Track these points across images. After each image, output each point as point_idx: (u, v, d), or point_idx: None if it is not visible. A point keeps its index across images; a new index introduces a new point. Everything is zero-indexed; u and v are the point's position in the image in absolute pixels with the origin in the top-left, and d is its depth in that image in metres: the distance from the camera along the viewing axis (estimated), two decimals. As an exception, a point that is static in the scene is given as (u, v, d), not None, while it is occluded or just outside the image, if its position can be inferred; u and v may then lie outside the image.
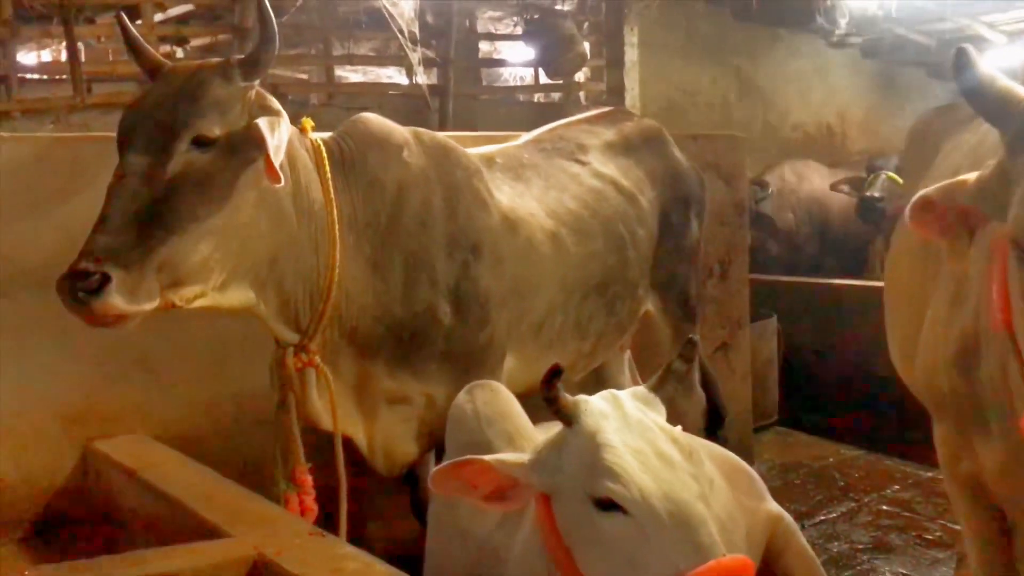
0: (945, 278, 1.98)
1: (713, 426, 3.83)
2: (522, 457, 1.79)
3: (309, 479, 2.41)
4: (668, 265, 3.43)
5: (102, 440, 2.74)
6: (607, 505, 1.62)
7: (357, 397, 2.56)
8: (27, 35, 4.92)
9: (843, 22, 7.14)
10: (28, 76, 5.05)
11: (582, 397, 1.80)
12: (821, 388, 5.52)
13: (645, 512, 1.59)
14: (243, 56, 2.23)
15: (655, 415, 1.79)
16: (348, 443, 2.58)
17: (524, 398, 2.33)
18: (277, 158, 2.11)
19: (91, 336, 2.73)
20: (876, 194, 6.64)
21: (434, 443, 2.66)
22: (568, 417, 1.74)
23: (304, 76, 6.86)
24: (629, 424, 1.72)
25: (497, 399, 2.27)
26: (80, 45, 4.88)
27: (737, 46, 7.97)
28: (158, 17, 5.23)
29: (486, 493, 1.78)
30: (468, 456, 1.78)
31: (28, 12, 4.52)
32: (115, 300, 1.95)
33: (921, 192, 1.54)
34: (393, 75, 6.94)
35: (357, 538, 2.43)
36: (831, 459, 4.95)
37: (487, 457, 1.78)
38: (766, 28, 8.08)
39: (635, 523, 1.60)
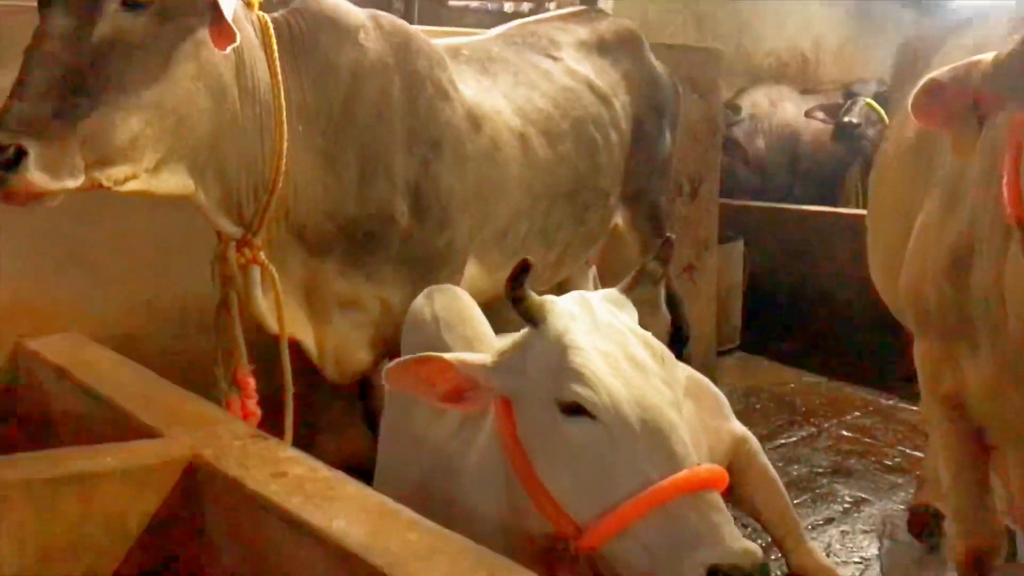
0: (939, 182, 1.88)
1: (677, 347, 3.77)
2: (483, 358, 1.69)
3: (252, 381, 2.28)
4: (639, 176, 3.30)
5: (33, 338, 2.57)
6: (573, 410, 1.53)
7: (306, 299, 2.42)
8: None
9: (823, -56, 6.91)
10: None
11: (549, 297, 1.70)
12: (785, 315, 5.49)
13: (614, 418, 1.50)
14: None
15: (627, 318, 1.69)
16: (298, 350, 2.45)
17: (486, 309, 2.20)
18: (229, 13, 1.92)
19: (20, 227, 2.59)
20: (854, 120, 6.52)
21: (389, 351, 2.53)
22: (534, 317, 1.64)
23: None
24: (599, 326, 1.63)
25: (457, 303, 2.16)
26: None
27: (715, -35, 7.74)
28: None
29: (443, 393, 1.68)
30: (427, 353, 1.66)
31: None
32: (33, 176, 1.77)
33: (929, 75, 1.40)
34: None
35: (306, 449, 2.33)
36: (792, 385, 4.93)
37: (447, 355, 1.67)
38: (745, -53, 7.84)
39: (603, 430, 1.51)
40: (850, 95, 6.76)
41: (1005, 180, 1.40)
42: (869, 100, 6.58)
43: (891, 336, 3.09)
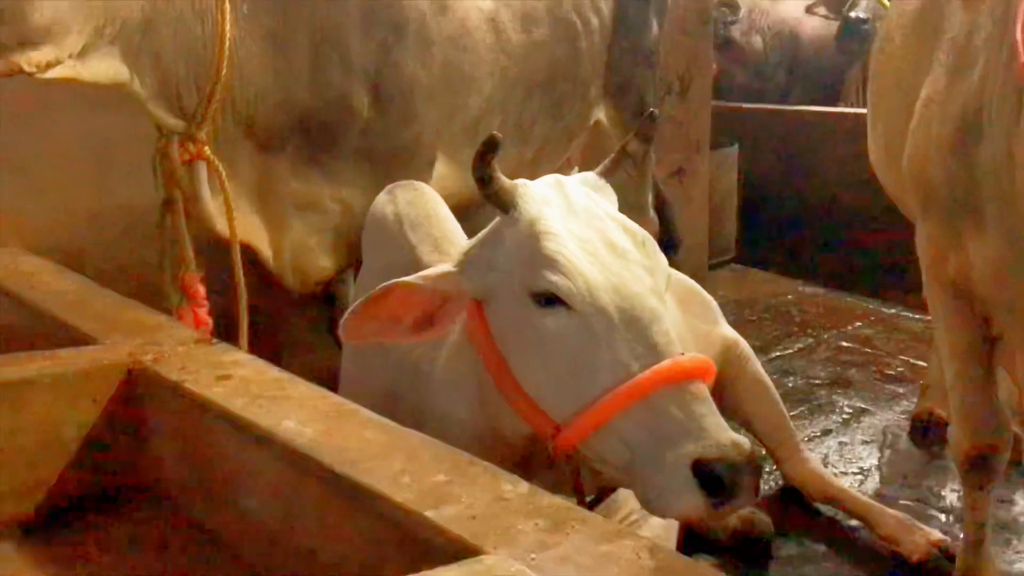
0: (945, 50, 1.81)
1: (666, 254, 3.73)
2: (446, 266, 1.62)
3: (201, 289, 2.22)
4: (624, 68, 3.22)
5: (-35, 252, 2.49)
6: (547, 300, 1.48)
7: (259, 201, 2.36)
8: None
9: None
10: None
11: (521, 181, 1.63)
12: (782, 223, 5.45)
13: (591, 306, 1.45)
14: None
15: (606, 202, 1.64)
16: (256, 259, 2.39)
17: (457, 212, 2.14)
18: None
19: (-54, 132, 2.48)
20: (861, 15, 6.35)
21: (353, 258, 2.47)
22: (504, 202, 1.57)
23: None
24: (575, 211, 1.57)
25: (422, 200, 2.11)
26: None
27: None
28: None
29: (412, 322, 1.60)
30: (385, 284, 1.57)
31: None
32: None
33: None
34: None
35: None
36: (789, 296, 4.93)
37: (408, 278, 1.58)
38: None
39: (579, 320, 1.46)
40: None
41: (1020, 39, 1.32)
42: None
43: (893, 244, 3.05)
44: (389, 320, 1.57)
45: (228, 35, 2.11)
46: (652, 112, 1.74)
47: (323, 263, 2.49)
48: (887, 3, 6.33)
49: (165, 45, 2.06)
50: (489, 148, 1.53)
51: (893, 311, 4.56)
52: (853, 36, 6.46)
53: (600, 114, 3.23)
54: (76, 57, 1.91)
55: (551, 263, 1.48)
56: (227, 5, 2.10)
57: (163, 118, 2.14)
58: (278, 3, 2.22)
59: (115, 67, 2.00)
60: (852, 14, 6.36)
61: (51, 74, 1.90)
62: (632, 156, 1.73)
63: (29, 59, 1.83)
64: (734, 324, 3.30)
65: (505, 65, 2.67)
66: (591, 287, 1.46)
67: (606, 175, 1.71)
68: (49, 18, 1.81)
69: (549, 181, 1.64)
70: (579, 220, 1.55)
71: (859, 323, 4.45)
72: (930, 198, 1.83)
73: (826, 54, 6.94)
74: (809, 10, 6.80)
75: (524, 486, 1.12)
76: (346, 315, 1.57)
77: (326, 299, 2.68)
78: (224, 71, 2.11)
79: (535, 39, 2.74)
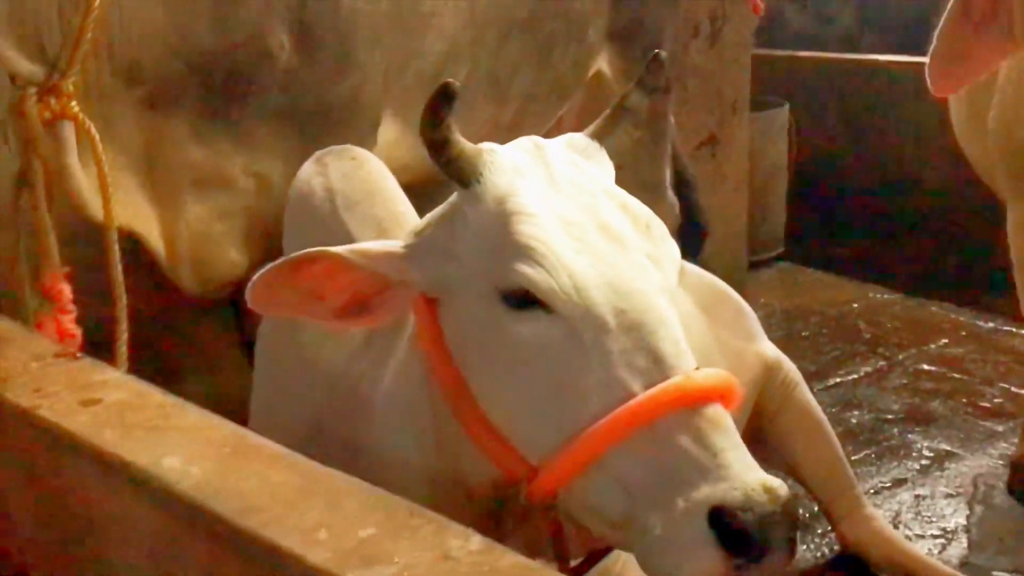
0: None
1: (688, 249, 3.78)
2: (392, 244, 1.65)
3: (66, 289, 2.24)
4: (631, 4, 3.29)
5: None
6: (521, 300, 1.50)
7: (147, 174, 2.40)
8: None
9: None
10: None
11: (488, 145, 1.67)
12: (846, 210, 5.52)
13: (578, 307, 1.47)
14: None
15: (599, 173, 1.67)
16: (144, 251, 2.43)
17: (409, 190, 2.18)
18: None
19: None
20: None
21: (272, 249, 2.50)
22: (464, 173, 1.60)
23: None
24: (558, 184, 1.60)
25: (361, 172, 2.15)
26: None
27: None
28: None
29: (339, 306, 1.63)
30: (307, 251, 1.60)
31: None
32: None
33: None
34: None
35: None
36: (855, 304, 4.99)
37: (337, 249, 1.61)
38: None
39: (563, 325, 1.48)
40: None
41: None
42: None
43: (993, 237, 3.09)
44: (310, 295, 1.61)
45: (104, -46, 2.15)
46: (659, 53, 1.76)
47: (232, 256, 2.53)
48: None
49: (19, -36, 2.10)
50: (443, 100, 1.56)
51: (991, 325, 4.63)
52: None
53: (602, 63, 3.31)
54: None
55: (526, 252, 1.50)
56: (101, -87, 2.14)
57: (17, 64, 2.16)
58: (172, -88, 2.26)
59: (-48, -5, 2.04)
60: None
61: None
62: (633, 112, 1.76)
63: None
64: (781, 341, 3.34)
65: (474, -1, 2.73)
66: (578, 283, 1.48)
67: (599, 137, 1.75)
68: None
69: (525, 145, 1.68)
70: (563, 196, 1.58)
71: (945, 340, 4.51)
72: (1021, 168, 1.88)
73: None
74: None
75: (477, 541, 1.14)
76: (256, 276, 1.60)
77: (235, 305, 2.70)
78: (96, 2, 2.14)
79: (514, -37, 2.81)
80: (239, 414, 2.06)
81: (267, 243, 2.49)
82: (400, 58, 2.64)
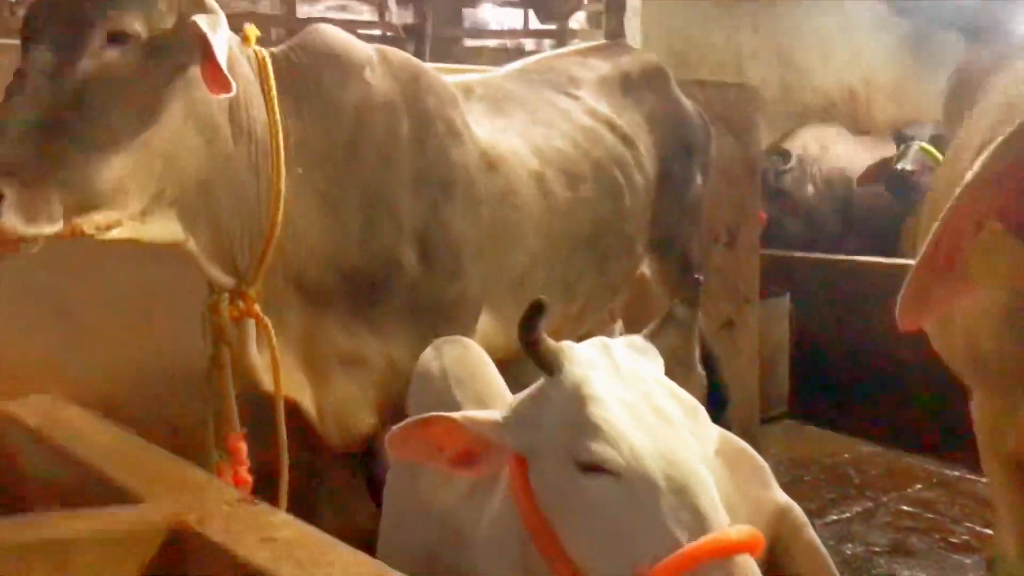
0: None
1: (714, 411, 3.76)
2: (494, 414, 1.71)
3: (243, 447, 2.31)
4: (667, 222, 3.36)
5: (7, 400, 2.61)
6: (593, 467, 1.53)
7: (305, 355, 2.46)
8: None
9: (873, -29, 7.02)
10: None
11: (567, 343, 1.72)
12: (838, 377, 5.45)
13: (636, 474, 1.51)
14: None
15: (652, 367, 1.72)
16: (296, 413, 2.48)
17: (501, 365, 2.23)
18: (223, 61, 1.99)
19: (-2, 280, 2.64)
20: (908, 167, 6.50)
21: (396, 414, 2.55)
22: (550, 365, 1.66)
23: (263, 10, 6.71)
24: (621, 375, 1.65)
25: (468, 356, 2.20)
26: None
27: (754, -4, 7.88)
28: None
29: (452, 457, 1.70)
30: (432, 413, 1.69)
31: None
32: (9, 219, 1.82)
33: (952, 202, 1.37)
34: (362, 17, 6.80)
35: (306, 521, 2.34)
36: (846, 455, 4.92)
37: (454, 414, 1.69)
38: (786, -23, 7.99)
39: (625, 488, 1.51)
40: (902, 139, 6.77)
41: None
42: (924, 144, 6.58)
43: (957, 400, 3.07)
44: (432, 446, 1.68)
45: (283, 195, 2.27)
46: (697, 278, 1.85)
47: (366, 418, 2.57)
48: (936, 154, 6.53)
49: (221, 205, 2.23)
50: (536, 311, 1.63)
51: (956, 473, 4.52)
52: (901, 188, 6.59)
53: (645, 267, 3.36)
54: (136, 219, 2.07)
55: (596, 429, 1.54)
56: (283, 166, 2.27)
57: (216, 276, 2.28)
58: (331, 165, 2.39)
59: (172, 228, 2.16)
60: (898, 166, 6.52)
61: (111, 235, 2.06)
62: (678, 320, 1.82)
63: (91, 222, 1.99)
64: (788, 485, 3.30)
65: (551, 222, 2.82)
66: (637, 453, 1.52)
67: (652, 338, 1.79)
68: (113, 184, 1.98)
69: (595, 344, 1.73)
70: (625, 384, 1.62)
71: (920, 485, 4.43)
72: (983, 372, 1.89)
73: (880, 202, 7.05)
74: (861, 183, 6.91)
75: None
76: (394, 428, 1.67)
77: (366, 456, 2.74)
78: (278, 230, 2.27)
79: (580, 196, 2.89)
80: (366, 545, 2.10)
81: (392, 408, 2.54)
82: (495, 267, 2.70)
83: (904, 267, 5.05)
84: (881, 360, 5.29)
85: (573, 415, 1.58)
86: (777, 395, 5.47)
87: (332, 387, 2.51)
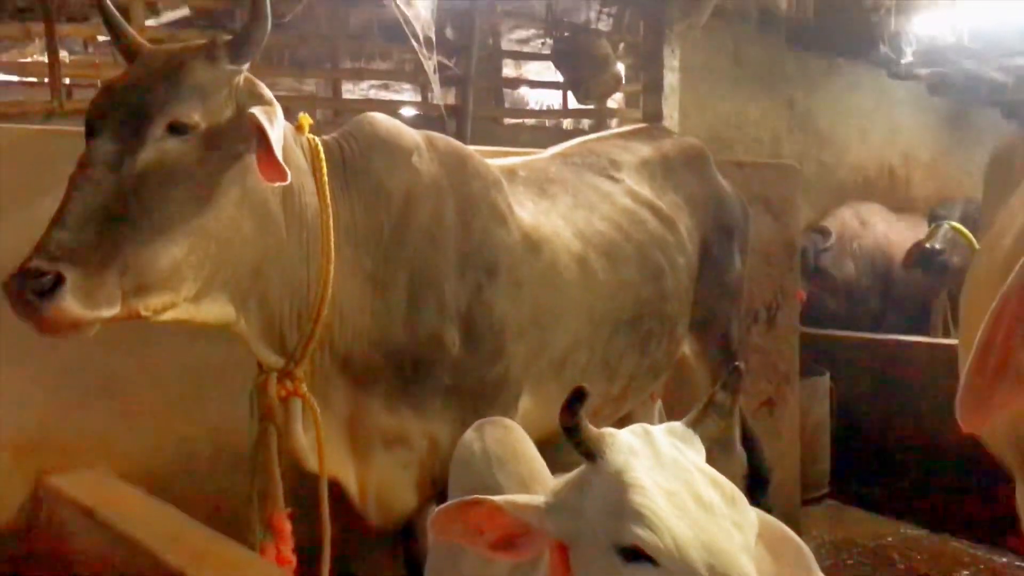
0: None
1: (755, 492, 3.74)
2: (536, 499, 1.72)
3: (288, 526, 2.33)
4: (707, 302, 3.39)
5: (57, 474, 2.67)
6: (634, 555, 1.54)
7: (349, 434, 2.49)
8: (3, 32, 4.96)
9: (909, 51, 7.11)
10: (2, 78, 5.10)
11: (608, 430, 1.73)
12: (880, 457, 5.39)
13: (678, 563, 1.50)
14: (231, 37, 2.20)
15: (693, 454, 1.72)
16: (338, 489, 2.51)
17: (541, 445, 2.26)
18: (279, 152, 2.06)
19: (49, 355, 2.71)
20: (937, 246, 6.57)
21: (436, 493, 2.58)
22: (591, 451, 1.67)
23: (308, 89, 6.91)
24: (663, 463, 1.65)
25: (510, 438, 2.21)
26: (64, 51, 4.91)
27: (790, 75, 7.96)
28: (149, 22, 5.28)
29: (493, 540, 1.70)
30: (475, 496, 1.70)
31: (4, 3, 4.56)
32: (69, 303, 1.88)
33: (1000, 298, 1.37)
34: (406, 96, 6.98)
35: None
36: (890, 538, 4.83)
37: (497, 498, 1.71)
38: (823, 57, 8.07)
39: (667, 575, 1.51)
40: (934, 218, 6.82)
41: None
42: (954, 223, 6.64)
43: (1004, 483, 3.02)
44: (474, 528, 1.67)
45: (331, 277, 2.33)
46: (737, 366, 1.84)
47: (407, 497, 2.59)
48: (966, 232, 6.56)
49: (272, 288, 2.28)
50: (577, 398, 1.65)
51: (1005, 560, 4.43)
52: (930, 266, 6.62)
53: (686, 348, 3.37)
54: (190, 301, 2.13)
55: (638, 517, 1.54)
56: (332, 251, 2.33)
57: (265, 356, 2.33)
58: (379, 247, 2.45)
59: (224, 309, 2.22)
60: (927, 244, 6.56)
61: (165, 317, 2.12)
62: (719, 407, 1.83)
63: (147, 304, 2.05)
64: (831, 568, 3.26)
65: (592, 303, 2.85)
66: (679, 543, 1.52)
67: (693, 425, 1.79)
68: (169, 269, 2.04)
69: (636, 431, 1.74)
70: (667, 472, 1.62)
71: (966, 572, 4.34)
72: None
73: (921, 280, 7.05)
74: (906, 266, 6.94)
75: None
76: (438, 509, 1.68)
77: (404, 532, 2.75)
78: (325, 312, 2.32)
79: (622, 279, 2.93)
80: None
81: (432, 486, 2.57)
82: (537, 347, 2.72)
83: (943, 346, 5.02)
84: (924, 440, 5.22)
85: (615, 502, 1.59)
86: (818, 476, 5.39)
87: (374, 466, 2.53)
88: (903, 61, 7.34)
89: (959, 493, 4.89)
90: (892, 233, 7.32)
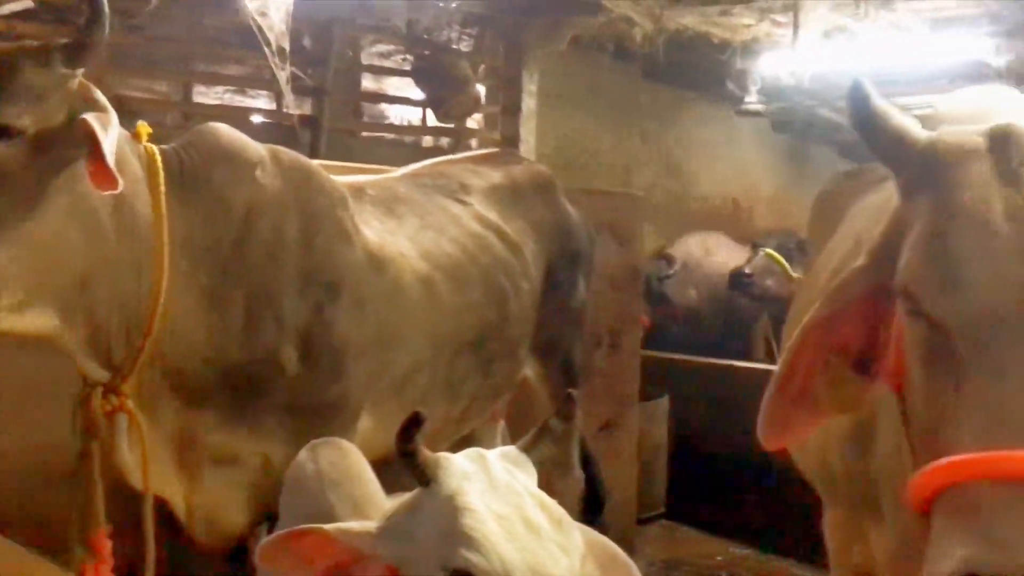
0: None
1: (591, 512, 3.81)
2: (368, 525, 1.72)
3: (108, 545, 2.25)
4: (551, 326, 3.44)
5: None
6: None
7: (178, 453, 2.43)
8: None
9: (754, 89, 7.46)
10: None
11: (444, 454, 1.74)
12: (713, 479, 5.55)
13: (506, 587, 1.53)
14: (66, 40, 2.12)
15: (525, 478, 1.75)
16: (164, 509, 2.44)
17: (381, 466, 2.25)
18: (111, 159, 2.00)
19: None
20: (747, 270, 6.95)
21: (267, 513, 2.53)
22: (426, 475, 1.68)
23: (161, 90, 6.68)
24: (495, 487, 1.67)
25: (345, 460, 2.20)
26: None
27: (644, 107, 8.22)
28: (-13, 11, 5.01)
29: (324, 569, 1.69)
30: (303, 526, 1.68)
31: None
32: None
33: (797, 334, 1.49)
34: (261, 103, 6.84)
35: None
36: (719, 557, 4.99)
37: (327, 526, 1.69)
38: (675, 90, 8.37)
39: None
40: (755, 246, 7.22)
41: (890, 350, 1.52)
42: (769, 251, 7.05)
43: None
44: (303, 559, 1.65)
45: (163, 291, 2.26)
46: (570, 393, 1.89)
47: (236, 518, 2.54)
48: (780, 259, 6.97)
49: (99, 299, 2.20)
50: (414, 423, 1.66)
51: (824, 577, 4.63)
52: (738, 287, 7.01)
53: (528, 370, 3.42)
54: (12, 310, 2.04)
55: (468, 540, 1.56)
56: (166, 264, 2.27)
57: (89, 369, 2.25)
58: (217, 262, 2.40)
59: (48, 321, 2.13)
60: (742, 268, 6.94)
61: (-16, 326, 2.01)
62: (553, 432, 1.87)
63: (-36, 313, 1.95)
64: (663, 589, 3.35)
65: (436, 324, 2.86)
66: (507, 567, 1.55)
67: (526, 450, 1.82)
68: (-13, 277, 1.94)
69: (471, 455, 1.76)
70: (499, 496, 1.65)
71: (790, 589, 4.51)
72: (833, 489, 1.98)
73: (747, 306, 7.39)
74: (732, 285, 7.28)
75: None
76: (265, 540, 1.65)
77: (235, 554, 2.69)
78: (156, 326, 2.25)
79: (467, 301, 2.95)
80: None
81: (264, 508, 2.52)
82: (378, 368, 2.71)
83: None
84: (755, 464, 5.40)
85: (446, 525, 1.60)
86: (654, 496, 5.54)
87: (203, 486, 2.47)
88: (748, 99, 7.69)
89: (784, 515, 5.11)
90: (732, 262, 7.59)
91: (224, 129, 2.55)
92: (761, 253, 7.12)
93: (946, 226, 1.31)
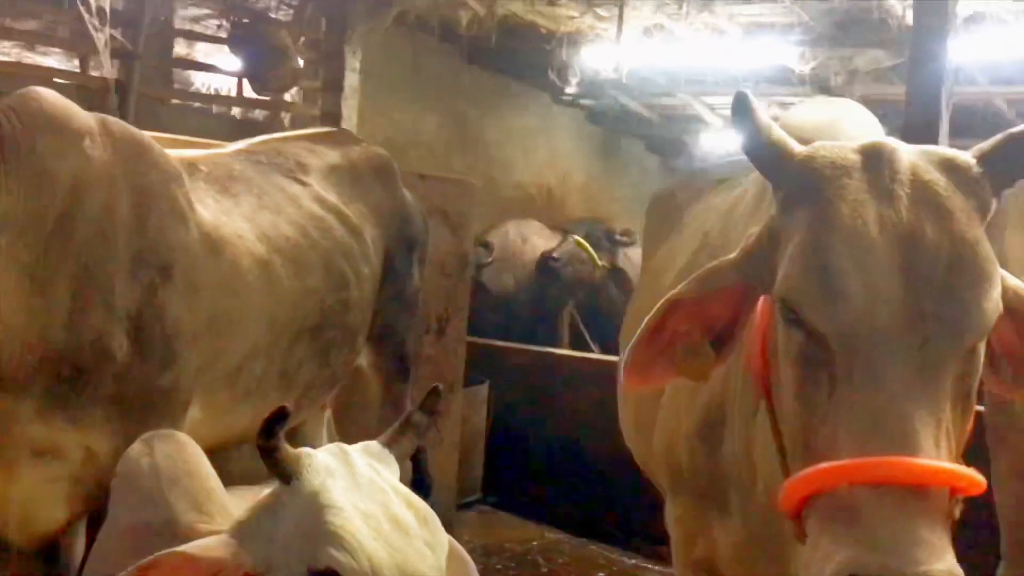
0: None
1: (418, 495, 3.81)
2: (223, 537, 1.64)
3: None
4: (387, 314, 3.41)
5: None
6: (329, 575, 1.52)
7: (-10, 444, 2.24)
8: None
9: (574, 81, 7.63)
10: None
11: (306, 450, 1.69)
12: (529, 464, 5.67)
13: (372, 585, 1.51)
14: None
15: (389, 474, 1.73)
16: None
17: (209, 455, 2.15)
18: None
19: None
20: (555, 255, 7.18)
21: (89, 509, 2.38)
22: (288, 473, 1.62)
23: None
24: (359, 483, 1.65)
25: (183, 453, 2.09)
26: None
27: (465, 91, 8.25)
28: None
29: None
30: (158, 553, 1.58)
31: None
32: None
33: (668, 296, 1.57)
34: (54, 62, 6.40)
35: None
36: (535, 542, 5.09)
37: (184, 548, 1.60)
38: (497, 76, 8.44)
39: None
40: (565, 233, 7.48)
41: (756, 339, 1.60)
42: (578, 238, 7.31)
43: (639, 491, 3.29)
44: None
45: (-23, 270, 2.08)
46: (436, 387, 1.87)
47: (54, 514, 2.39)
48: (588, 247, 7.25)
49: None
50: (278, 419, 1.60)
51: (634, 561, 4.81)
52: (543, 271, 7.26)
53: (362, 359, 3.37)
54: None
55: (334, 538, 1.53)
56: (-19, 236, 2.09)
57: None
58: (39, 239, 2.23)
59: None
60: (552, 253, 7.18)
61: None
62: (416, 426, 1.85)
63: None
64: (480, 572, 3.38)
65: (274, 311, 2.77)
66: (374, 565, 1.52)
67: (389, 444, 1.80)
68: None
69: (333, 451, 1.71)
70: (363, 493, 1.62)
71: (601, 574, 4.65)
72: (679, 481, 2.05)
73: (554, 294, 7.60)
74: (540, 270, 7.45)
75: None
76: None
77: (49, 554, 2.52)
78: (-32, 306, 2.07)
79: (307, 286, 2.87)
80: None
81: (85, 504, 2.38)
82: (210, 355, 2.60)
83: (590, 361, 5.35)
84: (568, 449, 5.58)
85: (310, 524, 1.56)
86: (473, 482, 5.59)
87: (18, 478, 2.30)
88: (567, 89, 7.86)
89: (597, 501, 5.28)
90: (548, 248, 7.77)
91: (49, 95, 2.36)
92: (570, 240, 7.34)
93: (824, 240, 1.37)
